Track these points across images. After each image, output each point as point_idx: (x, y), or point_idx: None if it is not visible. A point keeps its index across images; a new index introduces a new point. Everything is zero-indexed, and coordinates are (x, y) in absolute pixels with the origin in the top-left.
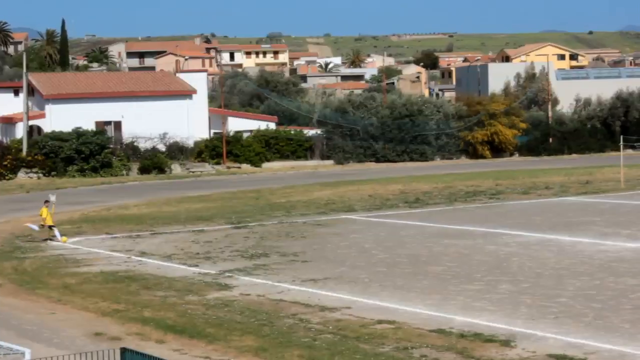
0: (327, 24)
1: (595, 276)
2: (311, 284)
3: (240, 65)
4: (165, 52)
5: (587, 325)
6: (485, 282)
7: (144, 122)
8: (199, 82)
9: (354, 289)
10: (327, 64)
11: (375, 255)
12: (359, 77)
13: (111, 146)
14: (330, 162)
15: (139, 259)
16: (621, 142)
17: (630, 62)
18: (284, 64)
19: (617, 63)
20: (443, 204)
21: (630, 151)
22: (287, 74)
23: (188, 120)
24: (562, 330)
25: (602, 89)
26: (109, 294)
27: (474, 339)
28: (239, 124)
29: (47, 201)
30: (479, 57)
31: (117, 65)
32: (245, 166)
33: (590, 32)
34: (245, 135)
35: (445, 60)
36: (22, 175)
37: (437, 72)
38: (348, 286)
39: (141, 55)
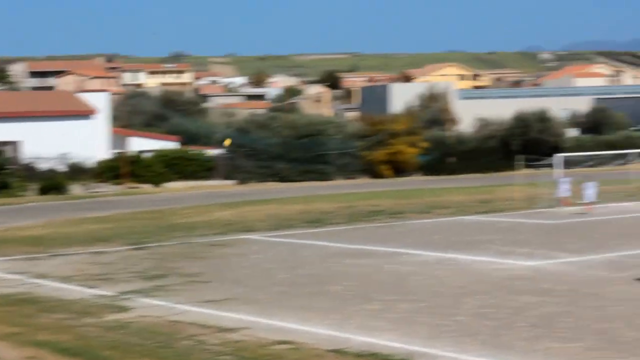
0: (230, 43)
1: (492, 294)
2: (210, 305)
3: (142, 85)
4: (67, 71)
5: (484, 343)
6: (384, 301)
7: (44, 142)
8: (100, 102)
9: (254, 310)
10: (230, 84)
11: (275, 275)
12: (263, 97)
13: (10, 167)
14: (232, 182)
15: (36, 281)
16: (520, 162)
17: (530, 83)
18: (187, 84)
19: (517, 83)
20: (344, 223)
21: (528, 170)
22: (190, 94)
23: (89, 140)
24: (459, 348)
25: (503, 109)
26: (3, 317)
27: (371, 359)
28: (140, 144)
29: None
30: (382, 77)
31: (18, 84)
32: (147, 186)
33: (491, 53)
34: (147, 155)
35: (348, 80)
36: None
37: (340, 92)
38: (247, 307)
39: (43, 74)
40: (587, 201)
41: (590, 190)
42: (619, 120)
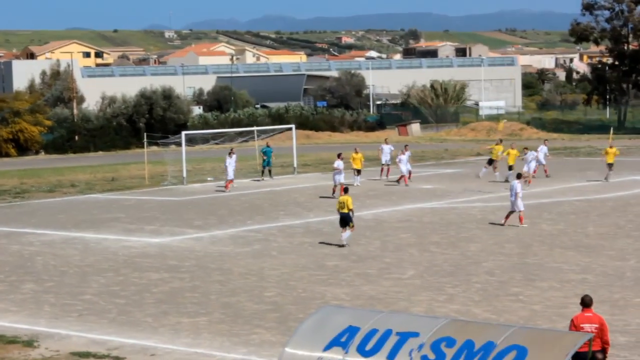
0: None
1: (119, 272)
2: None
3: None
4: None
5: (111, 321)
6: (9, 282)
7: None
8: None
9: None
10: None
11: None
12: None
13: None
14: None
15: None
16: (146, 139)
17: (155, 61)
18: None
19: (142, 61)
20: None
21: (154, 148)
22: None
23: None
24: (85, 327)
25: (128, 87)
26: None
27: None
28: None
29: None
30: (3, 54)
31: None
32: None
33: (116, 31)
34: None
35: None
36: None
37: None
38: None
39: None
40: (227, 178)
41: (230, 167)
42: (242, 98)
